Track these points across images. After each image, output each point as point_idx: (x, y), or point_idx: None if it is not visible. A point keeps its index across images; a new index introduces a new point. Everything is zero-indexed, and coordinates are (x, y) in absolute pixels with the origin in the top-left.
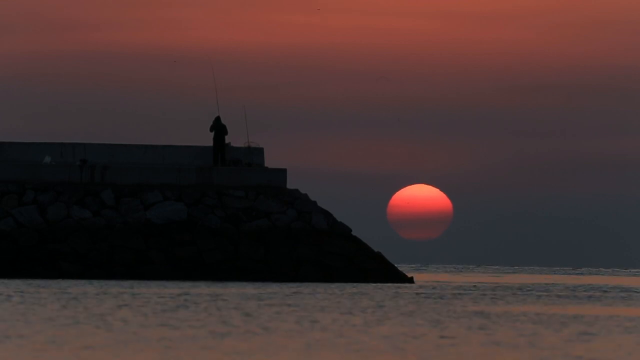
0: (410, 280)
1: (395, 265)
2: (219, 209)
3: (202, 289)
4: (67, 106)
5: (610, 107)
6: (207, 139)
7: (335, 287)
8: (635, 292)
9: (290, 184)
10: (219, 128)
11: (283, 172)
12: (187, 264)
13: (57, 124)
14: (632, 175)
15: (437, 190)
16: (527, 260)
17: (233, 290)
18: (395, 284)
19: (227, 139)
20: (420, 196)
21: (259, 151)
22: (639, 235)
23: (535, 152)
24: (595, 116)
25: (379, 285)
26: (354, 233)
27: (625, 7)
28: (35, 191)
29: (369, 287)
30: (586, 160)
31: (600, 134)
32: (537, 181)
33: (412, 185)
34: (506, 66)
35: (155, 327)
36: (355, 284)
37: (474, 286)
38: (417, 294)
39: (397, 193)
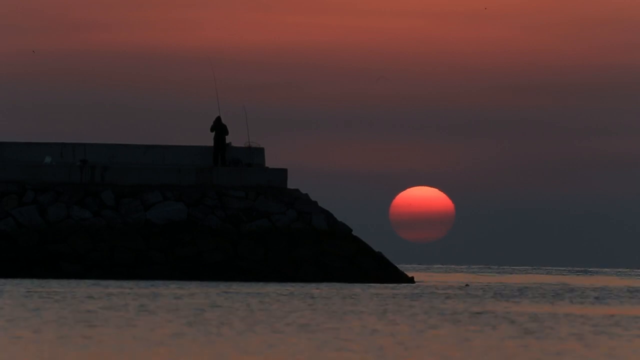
0: (411, 281)
1: (396, 265)
2: (219, 210)
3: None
4: (67, 106)
5: (611, 107)
6: (207, 139)
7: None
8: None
9: (291, 184)
10: (219, 128)
11: (283, 172)
12: (187, 264)
13: (57, 124)
14: (632, 175)
15: (438, 190)
16: (526, 260)
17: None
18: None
19: (228, 139)
20: (422, 197)
21: (259, 151)
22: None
23: (535, 152)
24: (595, 116)
25: (380, 285)
26: (354, 233)
27: (627, 6)
28: (35, 191)
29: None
30: (586, 160)
31: (600, 134)
32: (537, 181)
33: (415, 187)
34: (507, 66)
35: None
36: (355, 284)
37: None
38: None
39: (399, 195)
